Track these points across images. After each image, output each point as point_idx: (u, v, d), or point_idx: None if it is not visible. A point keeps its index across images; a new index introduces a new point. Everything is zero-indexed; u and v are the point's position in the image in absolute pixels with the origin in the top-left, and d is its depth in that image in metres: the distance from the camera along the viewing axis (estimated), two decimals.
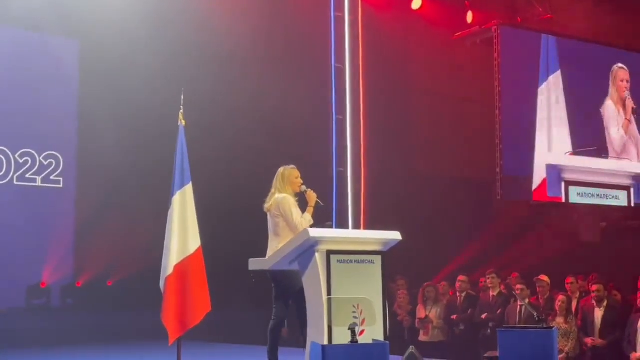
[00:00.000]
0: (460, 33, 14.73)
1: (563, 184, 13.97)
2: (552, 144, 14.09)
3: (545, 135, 14.04)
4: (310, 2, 13.51)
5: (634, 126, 15.20)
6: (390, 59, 14.26)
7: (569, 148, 14.14)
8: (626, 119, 15.07)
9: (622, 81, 15.16)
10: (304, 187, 6.68)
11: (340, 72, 13.85)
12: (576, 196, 14.07)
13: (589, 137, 14.32)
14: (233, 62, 12.49)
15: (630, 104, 15.17)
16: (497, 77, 13.83)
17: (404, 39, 14.41)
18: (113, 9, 11.76)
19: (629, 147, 15.11)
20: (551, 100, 14.17)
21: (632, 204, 14.77)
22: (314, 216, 6.66)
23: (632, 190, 14.78)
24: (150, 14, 11.89)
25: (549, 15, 15.17)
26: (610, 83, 15.07)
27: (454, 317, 10.60)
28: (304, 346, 6.00)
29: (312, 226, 6.40)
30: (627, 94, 15.15)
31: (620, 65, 15.22)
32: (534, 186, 13.72)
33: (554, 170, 13.95)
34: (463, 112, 14.49)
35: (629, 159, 14.85)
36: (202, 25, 12.26)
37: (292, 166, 6.78)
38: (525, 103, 14.08)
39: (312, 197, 6.66)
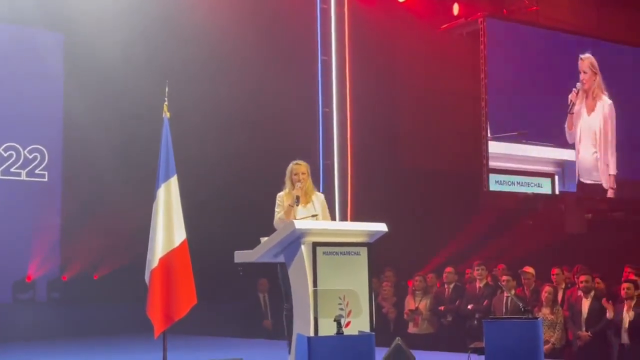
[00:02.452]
0: (446, 25, 14.76)
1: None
2: None
3: None
4: None
5: (585, 116, 15.07)
6: (376, 52, 14.24)
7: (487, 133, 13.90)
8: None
9: (584, 72, 15.12)
10: (298, 185, 6.50)
11: (327, 65, 13.84)
12: (495, 184, 13.82)
13: (511, 122, 14.06)
14: (218, 56, 12.44)
15: (593, 94, 15.12)
16: (483, 69, 13.86)
17: (390, 31, 14.38)
18: (98, 3, 11.70)
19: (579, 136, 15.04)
20: None
21: (557, 192, 14.50)
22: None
23: (556, 177, 14.49)
24: (135, 8, 11.83)
25: (534, 7, 15.21)
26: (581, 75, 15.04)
27: (441, 308, 10.64)
28: None
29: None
30: (579, 85, 15.05)
31: (585, 55, 15.17)
32: None
33: None
34: (449, 105, 14.48)
35: (552, 145, 14.49)
36: (186, 20, 12.21)
37: (295, 161, 6.66)
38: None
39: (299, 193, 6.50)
